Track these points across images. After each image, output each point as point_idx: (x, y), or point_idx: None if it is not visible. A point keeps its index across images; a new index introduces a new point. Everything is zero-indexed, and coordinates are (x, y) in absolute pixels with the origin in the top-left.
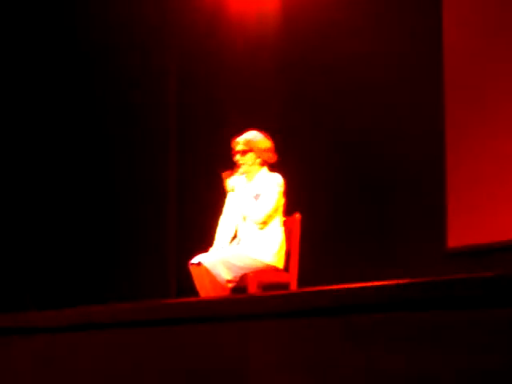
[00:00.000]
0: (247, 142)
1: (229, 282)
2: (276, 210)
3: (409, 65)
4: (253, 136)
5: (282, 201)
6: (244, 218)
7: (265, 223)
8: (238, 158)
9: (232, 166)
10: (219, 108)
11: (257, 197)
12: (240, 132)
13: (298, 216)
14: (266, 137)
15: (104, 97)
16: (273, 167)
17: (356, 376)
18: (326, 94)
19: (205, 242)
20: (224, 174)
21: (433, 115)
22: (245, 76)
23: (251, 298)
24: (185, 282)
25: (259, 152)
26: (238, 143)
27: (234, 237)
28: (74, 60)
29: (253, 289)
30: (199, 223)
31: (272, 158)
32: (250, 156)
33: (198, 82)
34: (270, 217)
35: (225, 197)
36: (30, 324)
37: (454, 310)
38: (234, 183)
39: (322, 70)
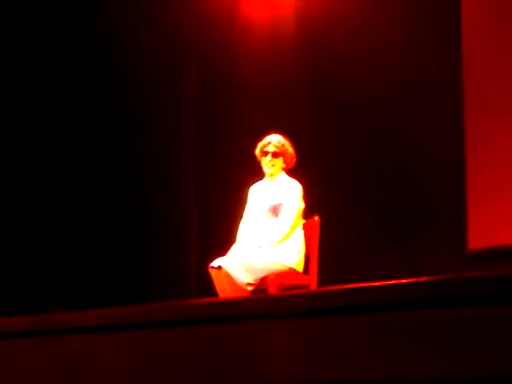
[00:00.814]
0: (281, 146)
1: (249, 284)
2: (296, 221)
3: (429, 64)
4: (285, 141)
5: (302, 206)
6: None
7: (289, 234)
8: (269, 159)
9: (251, 168)
10: (239, 109)
11: (278, 206)
12: (259, 134)
13: (317, 219)
14: (290, 143)
15: (126, 95)
16: (296, 169)
17: (376, 374)
18: (345, 94)
19: (225, 244)
20: None
21: (454, 114)
22: (264, 78)
23: (271, 298)
24: (205, 284)
25: (288, 157)
26: (270, 144)
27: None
28: (92, 54)
29: (273, 291)
30: (220, 225)
31: (293, 164)
32: (280, 159)
33: (218, 82)
34: (294, 227)
35: (246, 199)
36: (58, 325)
37: (471, 307)
38: (256, 187)
39: (341, 70)
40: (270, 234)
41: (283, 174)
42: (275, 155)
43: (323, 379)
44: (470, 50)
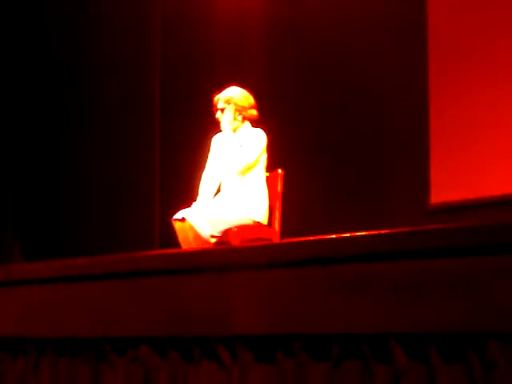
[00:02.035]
0: (228, 99)
1: (212, 236)
2: (257, 163)
3: (393, 22)
4: (233, 93)
5: (264, 155)
6: (226, 170)
7: (243, 172)
8: (218, 115)
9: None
10: (203, 63)
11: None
12: (223, 87)
13: (280, 172)
14: (247, 93)
15: (88, 51)
16: (256, 123)
17: (335, 326)
18: (310, 51)
19: (189, 195)
20: None
21: (416, 71)
22: (230, 31)
23: (233, 250)
24: (169, 237)
25: (240, 108)
26: (218, 100)
27: (218, 192)
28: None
29: (236, 244)
30: (184, 177)
31: (254, 114)
32: (231, 112)
33: (182, 36)
34: (250, 167)
35: (208, 152)
36: (16, 276)
37: (432, 259)
38: (217, 139)
39: (307, 28)
40: (233, 163)
41: (247, 125)
42: (223, 110)
43: (283, 331)
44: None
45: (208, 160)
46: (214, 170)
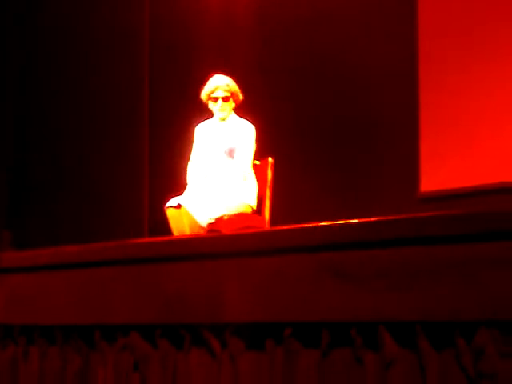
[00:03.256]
0: (229, 88)
1: (209, 223)
2: (252, 161)
3: (383, 9)
4: (229, 80)
5: (255, 148)
6: (216, 159)
7: (245, 178)
8: (220, 104)
9: (202, 110)
10: (192, 51)
11: (233, 149)
12: (210, 76)
13: (270, 160)
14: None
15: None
16: (246, 111)
17: (324, 314)
18: (300, 38)
19: (176, 184)
20: None
21: (406, 60)
22: (218, 18)
23: (223, 237)
24: (157, 224)
25: (236, 96)
26: (218, 89)
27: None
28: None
29: (226, 232)
30: (171, 165)
31: (240, 101)
32: (231, 101)
33: (170, 23)
34: (249, 171)
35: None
36: (6, 264)
37: (425, 247)
38: (203, 127)
39: (297, 15)
40: (231, 176)
41: (233, 114)
42: (225, 99)
43: (273, 319)
44: None
45: (193, 149)
46: (201, 159)
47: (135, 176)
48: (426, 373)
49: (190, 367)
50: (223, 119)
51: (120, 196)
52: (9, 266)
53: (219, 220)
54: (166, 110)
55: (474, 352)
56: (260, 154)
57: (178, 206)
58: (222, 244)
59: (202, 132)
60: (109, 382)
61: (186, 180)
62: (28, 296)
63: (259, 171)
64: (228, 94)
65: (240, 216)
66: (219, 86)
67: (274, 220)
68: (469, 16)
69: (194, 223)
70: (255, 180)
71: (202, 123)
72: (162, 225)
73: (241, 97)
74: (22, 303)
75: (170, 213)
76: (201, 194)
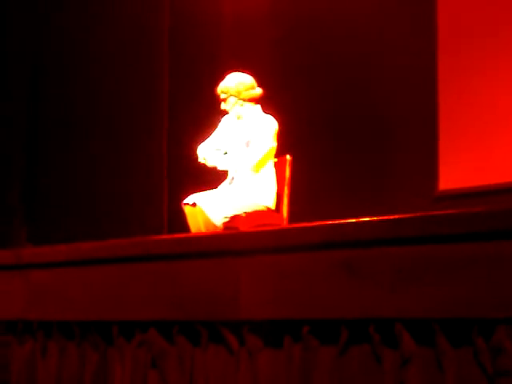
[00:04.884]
0: (224, 89)
1: (222, 222)
2: (268, 155)
3: (403, 7)
4: (228, 80)
5: (275, 144)
6: (234, 157)
7: (256, 170)
8: (222, 106)
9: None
10: (211, 49)
11: (247, 144)
12: (228, 70)
13: (289, 157)
14: (243, 75)
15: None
16: (267, 108)
17: (344, 311)
18: (320, 36)
19: (196, 181)
20: None
21: (426, 57)
22: (237, 18)
23: (241, 234)
24: (177, 221)
25: (236, 94)
26: (220, 92)
27: (225, 177)
28: None
29: (244, 229)
30: (191, 162)
31: (255, 94)
32: (231, 100)
33: (189, 21)
34: (262, 163)
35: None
36: (25, 260)
37: (442, 244)
38: (227, 120)
39: (316, 12)
40: (241, 163)
41: (257, 108)
42: (224, 101)
43: (291, 316)
44: None
45: (214, 134)
46: (222, 148)
47: (155, 172)
48: (444, 370)
49: (208, 364)
50: (238, 117)
51: (139, 192)
52: (28, 261)
53: (237, 217)
54: (186, 106)
55: (492, 349)
56: (278, 152)
57: (194, 205)
58: (240, 241)
59: (226, 122)
60: (126, 378)
61: (205, 176)
62: (47, 292)
63: (277, 169)
64: (225, 96)
65: (258, 213)
66: (219, 88)
67: (292, 217)
68: (489, 15)
69: (208, 222)
70: (274, 177)
71: (228, 115)
72: (182, 221)
73: (245, 95)
74: (40, 299)
75: (188, 210)
76: (217, 192)
